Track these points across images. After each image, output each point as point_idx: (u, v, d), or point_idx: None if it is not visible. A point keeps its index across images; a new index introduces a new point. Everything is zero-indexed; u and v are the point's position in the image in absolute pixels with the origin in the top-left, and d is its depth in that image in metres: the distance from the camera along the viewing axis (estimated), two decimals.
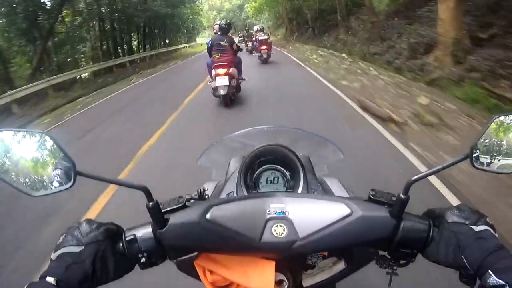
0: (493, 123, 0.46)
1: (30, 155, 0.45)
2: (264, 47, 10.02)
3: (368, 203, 0.47)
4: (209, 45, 5.19)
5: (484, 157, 0.46)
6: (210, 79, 5.26)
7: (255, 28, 11.95)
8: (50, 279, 0.38)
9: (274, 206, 0.46)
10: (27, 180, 0.45)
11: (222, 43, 5.12)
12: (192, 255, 0.48)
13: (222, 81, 4.95)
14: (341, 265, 0.55)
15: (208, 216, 0.44)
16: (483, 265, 0.37)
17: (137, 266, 0.47)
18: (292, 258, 0.52)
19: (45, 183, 0.45)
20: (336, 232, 0.44)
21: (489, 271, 0.36)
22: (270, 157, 0.61)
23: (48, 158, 0.45)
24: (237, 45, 5.33)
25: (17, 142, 0.45)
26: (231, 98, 5.28)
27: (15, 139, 0.45)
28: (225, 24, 5.22)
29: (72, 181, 0.44)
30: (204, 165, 0.76)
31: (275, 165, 0.61)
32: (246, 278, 0.47)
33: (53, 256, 0.43)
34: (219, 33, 5.29)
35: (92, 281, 0.41)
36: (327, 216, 0.44)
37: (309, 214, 0.45)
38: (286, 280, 0.52)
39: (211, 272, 0.48)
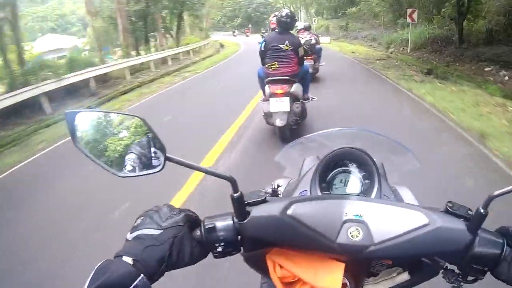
0: None
1: (121, 137, 0.47)
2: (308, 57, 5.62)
3: (446, 214, 0.46)
4: (262, 48, 3.41)
5: None
6: (262, 96, 3.55)
7: (298, 25, 6.70)
8: (128, 259, 0.39)
9: (351, 208, 0.46)
10: (116, 161, 0.47)
11: (281, 46, 3.29)
12: (266, 249, 0.48)
13: (280, 106, 3.19)
14: (405, 276, 0.54)
15: (289, 212, 0.45)
16: None
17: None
18: (358, 263, 0.52)
19: (132, 165, 0.46)
20: (412, 240, 0.43)
21: None
22: (345, 159, 0.61)
23: (139, 141, 0.47)
24: (305, 49, 3.58)
25: (111, 124, 0.47)
26: (292, 128, 3.41)
27: (110, 120, 0.47)
28: (287, 17, 3.32)
29: (161, 165, 0.45)
30: (280, 162, 0.77)
31: (350, 168, 0.62)
32: (314, 277, 0.47)
33: (129, 236, 0.43)
34: (277, 30, 3.47)
35: (167, 264, 0.42)
36: (404, 224, 0.44)
37: (386, 220, 0.45)
38: (349, 285, 0.52)
39: (281, 267, 0.48)
